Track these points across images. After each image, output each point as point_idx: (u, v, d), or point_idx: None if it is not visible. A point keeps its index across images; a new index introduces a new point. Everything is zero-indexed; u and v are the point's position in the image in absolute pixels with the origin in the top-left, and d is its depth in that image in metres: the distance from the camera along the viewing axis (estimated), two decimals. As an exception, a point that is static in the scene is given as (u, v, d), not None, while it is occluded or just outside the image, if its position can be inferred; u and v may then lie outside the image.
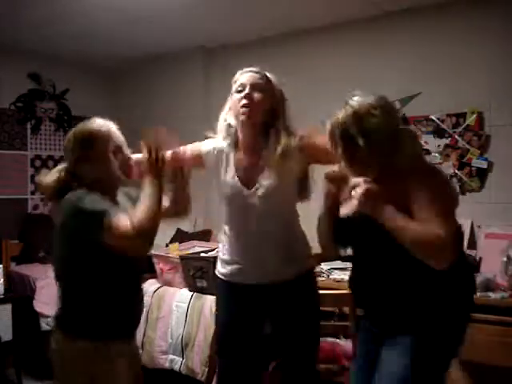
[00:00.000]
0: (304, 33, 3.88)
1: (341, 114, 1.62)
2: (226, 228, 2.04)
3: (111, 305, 1.72)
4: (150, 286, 3.32)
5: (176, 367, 2.99)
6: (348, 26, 3.70)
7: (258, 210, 1.90)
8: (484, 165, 3.20)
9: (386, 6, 3.41)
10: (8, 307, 3.52)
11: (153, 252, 3.40)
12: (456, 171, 3.30)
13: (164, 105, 4.55)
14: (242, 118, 1.89)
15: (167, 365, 3.03)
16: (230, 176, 1.96)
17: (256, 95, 1.89)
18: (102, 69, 4.95)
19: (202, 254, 3.11)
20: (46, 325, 3.60)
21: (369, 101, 1.60)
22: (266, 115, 1.92)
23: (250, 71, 1.95)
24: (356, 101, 1.62)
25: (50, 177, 1.76)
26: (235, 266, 1.98)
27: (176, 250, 3.33)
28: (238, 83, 1.94)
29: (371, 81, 3.61)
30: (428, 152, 3.39)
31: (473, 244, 3.15)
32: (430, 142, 3.39)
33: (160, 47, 4.33)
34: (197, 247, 3.43)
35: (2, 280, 3.50)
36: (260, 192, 1.90)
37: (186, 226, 3.99)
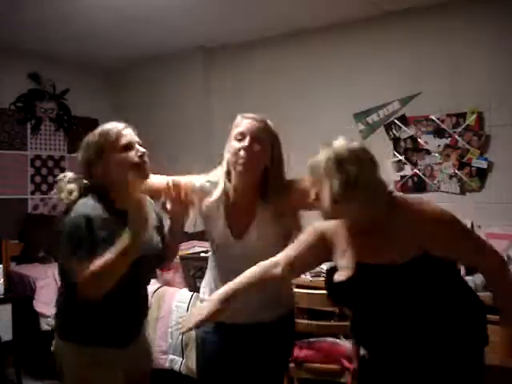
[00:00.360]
0: (304, 33, 3.88)
1: (325, 154, 1.50)
2: (212, 267, 2.00)
3: (97, 311, 1.71)
4: (149, 285, 3.32)
5: (176, 367, 2.99)
6: (348, 26, 3.70)
7: (245, 258, 1.82)
8: (484, 165, 3.20)
9: (386, 6, 3.41)
10: (8, 307, 3.52)
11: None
12: (456, 171, 3.30)
13: (164, 105, 4.55)
14: (240, 169, 1.81)
15: (167, 365, 3.03)
16: (220, 223, 1.92)
17: (255, 148, 1.81)
18: (101, 69, 4.95)
19: (202, 254, 3.11)
20: (46, 325, 3.60)
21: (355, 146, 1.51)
22: (264, 166, 1.85)
23: (252, 119, 1.86)
24: (340, 145, 1.51)
25: (71, 190, 1.73)
26: None
27: (176, 250, 3.32)
28: (238, 131, 1.84)
29: (371, 81, 3.62)
30: (428, 152, 3.40)
31: (473, 244, 3.16)
32: (430, 142, 3.39)
33: (160, 47, 4.33)
34: (197, 247, 3.43)
35: (2, 280, 3.50)
36: (249, 242, 1.86)
37: (186, 226, 3.99)
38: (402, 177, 3.50)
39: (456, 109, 3.29)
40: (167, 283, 3.26)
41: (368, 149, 1.53)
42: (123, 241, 1.56)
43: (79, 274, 1.56)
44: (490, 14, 3.19)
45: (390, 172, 3.51)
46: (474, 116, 3.23)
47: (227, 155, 1.85)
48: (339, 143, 1.50)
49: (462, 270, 2.80)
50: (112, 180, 1.72)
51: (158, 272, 3.31)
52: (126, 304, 1.77)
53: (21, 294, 3.74)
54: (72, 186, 1.72)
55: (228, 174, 1.88)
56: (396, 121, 3.53)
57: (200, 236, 3.87)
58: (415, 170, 3.45)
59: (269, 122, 1.88)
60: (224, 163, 1.88)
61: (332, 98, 3.76)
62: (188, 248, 3.41)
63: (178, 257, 3.17)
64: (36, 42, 4.12)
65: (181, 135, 4.41)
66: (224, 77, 4.33)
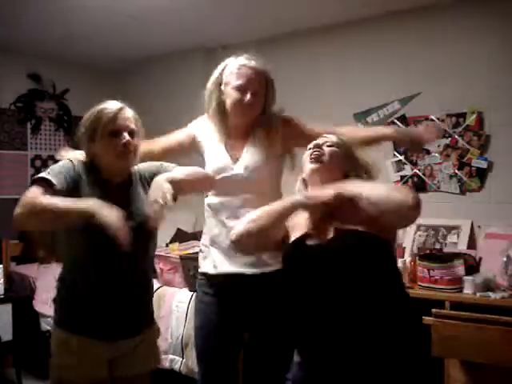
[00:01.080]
0: (304, 33, 3.88)
1: None
2: (210, 207, 2.07)
3: (82, 298, 1.73)
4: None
5: (176, 367, 3.00)
6: (348, 26, 3.70)
7: (243, 182, 1.97)
8: (484, 165, 3.20)
9: (386, 6, 3.41)
10: (8, 307, 3.53)
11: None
12: (456, 171, 3.30)
13: (164, 105, 4.55)
14: (243, 119, 2.01)
15: (167, 365, 3.03)
16: (219, 151, 2.04)
17: (256, 101, 1.98)
18: (102, 69, 4.95)
19: (202, 254, 3.10)
20: (46, 325, 3.60)
21: None
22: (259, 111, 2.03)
23: (253, 70, 1.99)
24: None
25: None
26: (218, 252, 2.02)
27: (176, 250, 3.33)
28: (238, 83, 1.97)
29: (371, 81, 3.62)
30: (428, 152, 3.39)
31: (473, 244, 3.15)
32: (430, 142, 3.39)
33: (160, 47, 4.33)
34: (197, 247, 3.43)
35: (2, 280, 3.50)
36: (245, 165, 1.98)
37: (186, 226, 3.99)
38: (402, 177, 3.50)
39: (456, 109, 3.29)
40: (167, 283, 3.26)
41: None
42: (84, 204, 1.58)
43: (25, 195, 1.63)
44: (489, 13, 3.19)
45: (390, 172, 3.51)
46: (474, 116, 3.23)
47: (227, 101, 2.00)
48: None
49: (463, 271, 2.80)
50: (99, 160, 1.77)
51: (158, 272, 3.32)
52: (110, 292, 1.74)
53: (21, 294, 3.75)
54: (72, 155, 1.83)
55: (222, 113, 2.04)
56: (396, 121, 3.53)
57: (200, 236, 3.88)
58: (415, 170, 3.45)
59: (267, 70, 2.04)
60: (213, 105, 2.07)
61: (332, 97, 3.76)
62: (188, 248, 3.41)
63: (178, 257, 3.18)
64: (36, 42, 4.12)
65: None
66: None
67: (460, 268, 2.80)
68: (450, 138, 3.33)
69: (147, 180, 1.83)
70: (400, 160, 3.51)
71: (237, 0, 3.36)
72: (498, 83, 3.16)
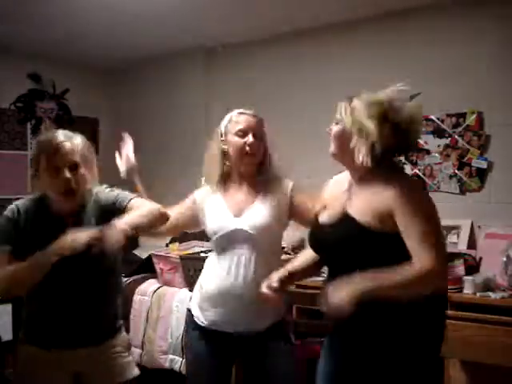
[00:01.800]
0: (304, 33, 3.87)
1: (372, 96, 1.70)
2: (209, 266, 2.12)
3: (27, 308, 1.83)
4: (150, 285, 3.33)
5: (176, 367, 2.99)
6: (348, 26, 3.69)
7: (245, 237, 1.98)
8: (484, 165, 3.20)
9: (386, 6, 3.41)
10: (8, 307, 3.52)
11: (153, 252, 3.41)
12: (456, 171, 3.30)
13: (164, 105, 4.55)
14: (247, 161, 2.05)
15: (167, 365, 3.03)
16: (220, 207, 2.06)
17: (257, 142, 2.04)
18: (101, 69, 4.94)
19: (202, 254, 3.11)
20: (45, 325, 3.60)
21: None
22: (261, 157, 2.10)
23: (249, 115, 2.09)
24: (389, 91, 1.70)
25: None
26: (212, 311, 2.02)
27: (176, 250, 3.33)
28: (238, 128, 2.05)
29: (371, 81, 3.60)
30: (428, 152, 3.39)
31: (473, 244, 3.15)
32: (430, 142, 3.39)
33: (160, 47, 4.33)
34: (197, 247, 3.43)
35: (2, 280, 3.50)
36: (248, 221, 1.99)
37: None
38: (402, 177, 3.50)
39: (456, 109, 3.29)
40: (167, 283, 3.26)
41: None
42: (39, 256, 1.62)
43: None
44: (489, 13, 3.18)
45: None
46: (474, 116, 3.23)
47: (230, 149, 2.05)
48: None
49: (463, 271, 2.81)
50: (46, 196, 1.80)
51: (158, 272, 3.32)
52: (52, 304, 1.79)
53: (21, 294, 3.74)
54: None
55: (222, 167, 2.07)
56: (396, 121, 3.53)
57: (200, 236, 3.88)
58: (415, 170, 3.45)
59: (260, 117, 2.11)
60: (218, 157, 2.07)
61: (332, 97, 3.74)
62: (188, 248, 3.41)
63: (178, 257, 3.18)
64: (36, 41, 4.12)
65: (181, 135, 4.41)
66: (224, 77, 4.33)
67: (460, 268, 2.80)
68: (449, 138, 3.33)
69: (103, 208, 1.82)
70: (400, 160, 3.51)
71: (236, 0, 3.36)
72: (498, 83, 3.16)
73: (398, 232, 1.51)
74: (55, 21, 3.64)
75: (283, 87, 3.97)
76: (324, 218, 1.70)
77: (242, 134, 2.04)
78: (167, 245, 3.56)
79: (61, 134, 1.77)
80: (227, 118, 2.11)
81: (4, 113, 4.44)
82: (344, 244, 1.59)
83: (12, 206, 1.78)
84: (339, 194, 1.71)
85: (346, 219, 1.59)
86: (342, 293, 1.42)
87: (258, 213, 2.00)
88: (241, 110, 2.10)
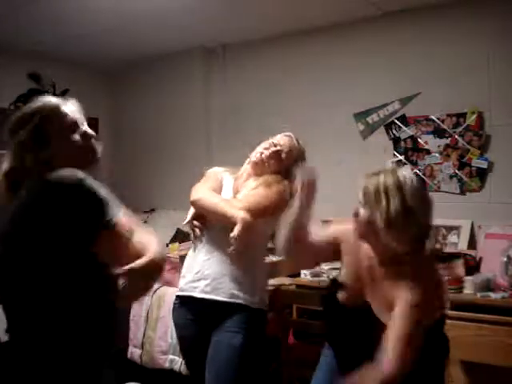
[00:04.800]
0: (304, 33, 3.87)
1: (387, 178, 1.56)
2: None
3: None
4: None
5: (176, 367, 2.99)
6: (348, 26, 3.70)
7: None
8: (484, 165, 3.20)
9: (385, 6, 3.41)
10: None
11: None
12: (456, 171, 3.30)
13: (164, 105, 4.55)
14: (263, 156, 2.17)
15: (167, 365, 3.03)
16: (227, 187, 2.25)
17: (276, 155, 2.16)
18: (102, 69, 4.94)
19: (202, 254, 3.10)
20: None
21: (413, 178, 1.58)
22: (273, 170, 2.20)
23: (288, 136, 2.23)
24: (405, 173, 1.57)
25: None
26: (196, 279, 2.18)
27: (176, 250, 3.33)
28: (271, 140, 2.21)
29: (371, 81, 3.62)
30: (428, 152, 3.40)
31: (473, 244, 3.15)
32: (430, 142, 3.39)
33: (160, 47, 4.33)
34: (197, 247, 3.42)
35: (2, 280, 3.50)
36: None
37: (186, 226, 3.98)
38: (402, 177, 3.50)
39: (456, 109, 3.29)
40: (167, 283, 3.26)
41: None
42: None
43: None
44: (490, 13, 3.19)
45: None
46: (474, 116, 3.23)
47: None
48: (405, 172, 1.57)
49: (463, 271, 2.81)
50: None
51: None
52: None
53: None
54: None
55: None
56: (396, 121, 3.53)
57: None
58: (415, 170, 3.45)
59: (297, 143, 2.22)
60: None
61: (332, 97, 3.76)
62: (188, 248, 3.40)
63: (178, 257, 3.17)
64: (36, 42, 4.12)
65: (181, 134, 4.41)
66: (224, 77, 4.33)
67: (460, 268, 2.80)
68: (450, 138, 3.33)
69: None
70: (400, 160, 3.51)
71: (236, 0, 3.36)
72: (498, 83, 3.16)
73: None
74: (55, 21, 3.64)
75: (283, 87, 3.97)
76: (342, 277, 1.72)
77: (268, 146, 2.20)
78: (167, 245, 3.56)
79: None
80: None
81: (4, 113, 4.43)
82: (362, 341, 1.60)
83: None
84: (356, 256, 1.69)
85: (368, 317, 1.60)
86: None
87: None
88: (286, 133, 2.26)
